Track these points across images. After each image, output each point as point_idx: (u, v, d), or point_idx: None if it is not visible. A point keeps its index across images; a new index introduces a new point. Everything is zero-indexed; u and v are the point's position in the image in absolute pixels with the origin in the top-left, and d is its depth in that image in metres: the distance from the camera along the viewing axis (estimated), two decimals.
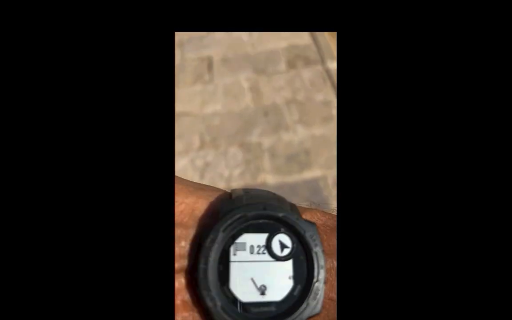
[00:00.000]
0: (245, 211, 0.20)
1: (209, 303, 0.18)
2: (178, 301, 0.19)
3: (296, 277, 0.20)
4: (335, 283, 0.21)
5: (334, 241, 0.22)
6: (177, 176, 0.23)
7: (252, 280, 0.19)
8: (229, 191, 0.23)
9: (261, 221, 0.20)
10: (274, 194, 0.22)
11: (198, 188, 0.22)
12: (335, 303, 0.21)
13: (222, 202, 0.21)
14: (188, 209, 0.21)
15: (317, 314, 0.19)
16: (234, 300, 0.19)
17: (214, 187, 0.23)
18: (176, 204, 0.21)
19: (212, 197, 0.22)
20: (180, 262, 0.19)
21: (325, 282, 0.19)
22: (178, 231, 0.20)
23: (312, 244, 0.20)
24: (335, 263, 0.21)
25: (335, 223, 0.23)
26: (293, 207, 0.21)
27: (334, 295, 0.21)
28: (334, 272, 0.21)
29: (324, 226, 0.22)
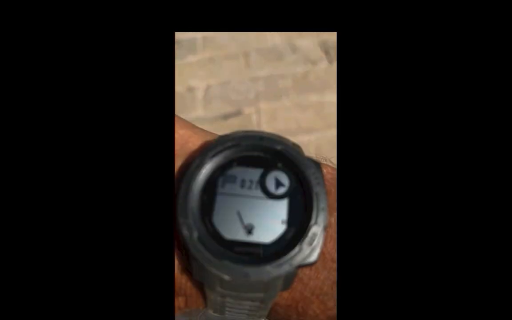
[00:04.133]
0: (239, 140, 0.18)
1: (185, 232, 0.16)
2: None
3: (290, 219, 0.17)
4: None
5: None
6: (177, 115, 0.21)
7: (239, 215, 0.17)
8: None
9: (256, 153, 0.18)
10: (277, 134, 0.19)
11: (197, 127, 0.21)
12: None
13: (217, 138, 0.19)
14: (180, 140, 0.19)
15: (312, 264, 0.16)
16: (215, 235, 0.16)
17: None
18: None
19: (210, 137, 0.19)
20: None
21: (325, 228, 0.16)
22: None
23: (313, 182, 0.17)
24: None
25: None
26: (296, 145, 0.18)
27: None
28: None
29: (334, 179, 0.19)
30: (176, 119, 0.20)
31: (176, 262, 0.17)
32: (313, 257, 0.16)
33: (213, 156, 0.17)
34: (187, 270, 0.17)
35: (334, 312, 0.18)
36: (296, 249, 0.16)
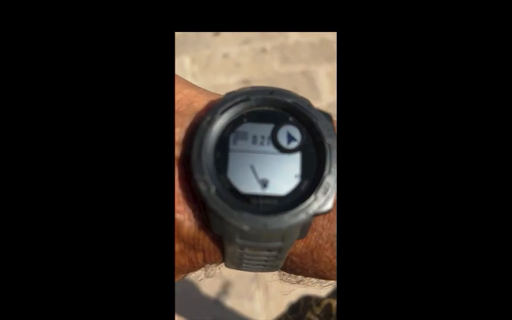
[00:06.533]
0: (248, 95, 0.18)
1: (203, 187, 0.16)
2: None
3: (303, 172, 0.17)
4: None
5: None
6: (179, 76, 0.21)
7: (253, 170, 0.17)
8: None
9: (266, 108, 0.18)
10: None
11: (200, 87, 0.20)
12: None
13: (225, 94, 0.19)
14: (185, 99, 0.19)
15: (327, 212, 0.16)
16: (231, 189, 0.16)
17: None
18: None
19: (214, 97, 0.19)
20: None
21: None
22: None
23: (325, 133, 0.17)
24: None
25: None
26: (305, 99, 0.18)
27: None
28: None
29: None
30: (177, 79, 0.20)
31: (194, 219, 0.17)
32: (328, 205, 0.16)
33: (223, 112, 0.17)
34: (205, 226, 0.17)
35: None
36: (312, 198, 0.16)
